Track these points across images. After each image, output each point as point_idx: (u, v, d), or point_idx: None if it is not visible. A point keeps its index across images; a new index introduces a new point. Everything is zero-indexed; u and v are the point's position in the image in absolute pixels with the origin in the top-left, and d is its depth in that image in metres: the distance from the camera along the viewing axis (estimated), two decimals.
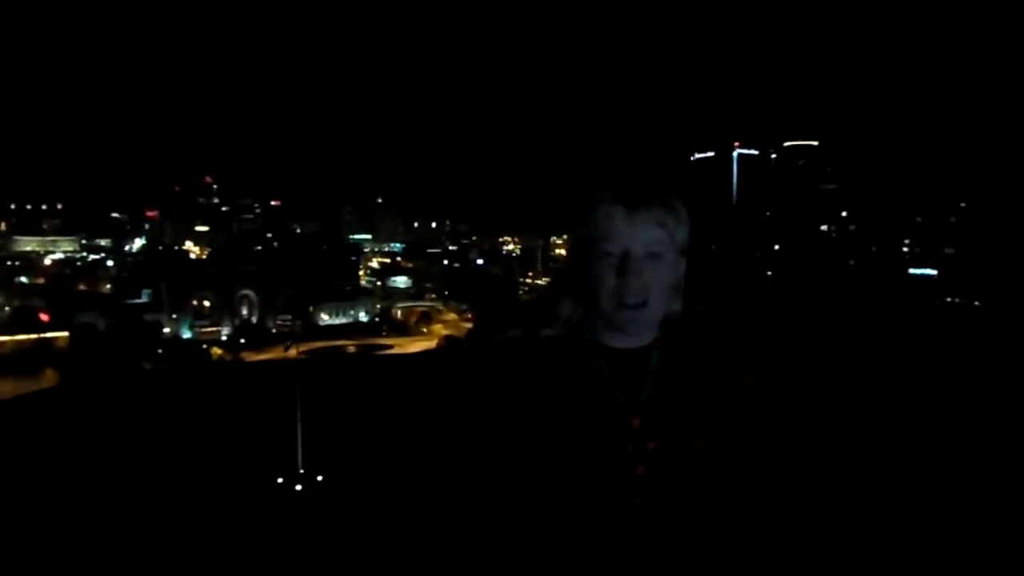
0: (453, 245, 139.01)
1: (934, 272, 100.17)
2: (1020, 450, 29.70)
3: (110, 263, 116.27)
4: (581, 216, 1.46)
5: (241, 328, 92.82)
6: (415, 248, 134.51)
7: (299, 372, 40.56)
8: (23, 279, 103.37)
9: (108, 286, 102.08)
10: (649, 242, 1.41)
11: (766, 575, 1.51)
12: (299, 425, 33.58)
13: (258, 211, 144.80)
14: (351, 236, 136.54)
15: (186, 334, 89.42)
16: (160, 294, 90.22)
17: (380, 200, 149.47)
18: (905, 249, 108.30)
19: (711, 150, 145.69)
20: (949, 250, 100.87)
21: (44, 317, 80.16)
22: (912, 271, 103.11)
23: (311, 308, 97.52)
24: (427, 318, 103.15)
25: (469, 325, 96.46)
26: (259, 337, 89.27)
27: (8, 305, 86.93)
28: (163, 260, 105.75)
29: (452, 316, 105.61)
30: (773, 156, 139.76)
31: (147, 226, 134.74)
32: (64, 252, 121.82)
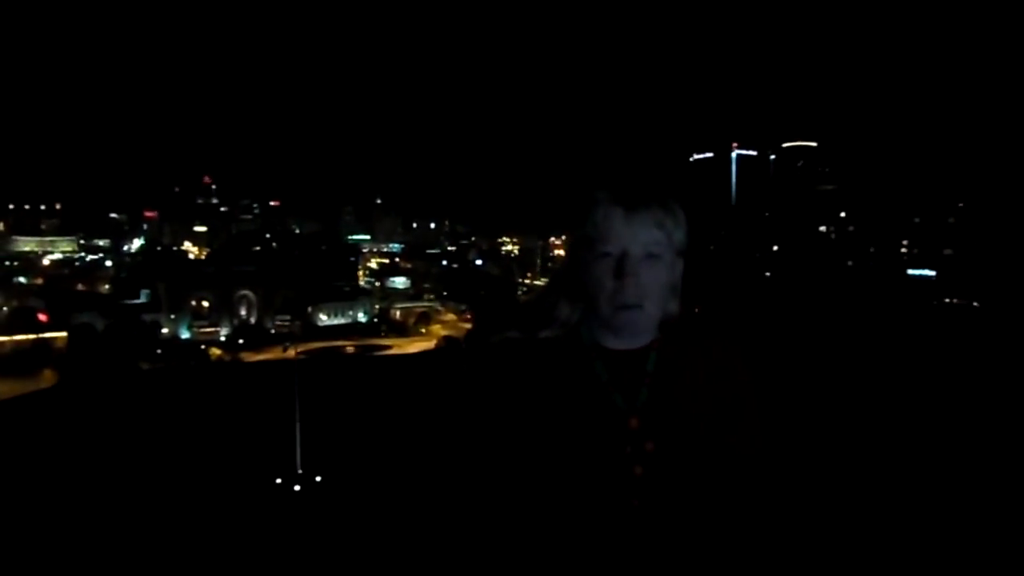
0: (452, 246, 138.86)
1: (933, 273, 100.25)
2: (1020, 450, 29.73)
3: (108, 263, 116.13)
4: (579, 217, 1.46)
5: (240, 328, 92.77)
6: (414, 249, 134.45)
7: (298, 373, 40.63)
8: (21, 279, 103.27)
9: (106, 286, 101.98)
10: (647, 243, 1.42)
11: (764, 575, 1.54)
12: (298, 426, 33.59)
13: (257, 211, 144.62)
14: (350, 236, 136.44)
15: (185, 334, 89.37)
16: (159, 294, 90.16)
17: (379, 201, 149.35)
18: (904, 250, 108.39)
19: (710, 151, 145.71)
20: (948, 251, 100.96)
21: (42, 317, 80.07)
22: (911, 272, 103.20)
23: (310, 308, 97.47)
24: (426, 319, 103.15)
25: (468, 326, 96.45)
26: (258, 337, 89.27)
27: (6, 305, 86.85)
28: (162, 260, 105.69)
29: (451, 317, 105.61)
30: (772, 157, 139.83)
31: (146, 226, 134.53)
32: (62, 252, 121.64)
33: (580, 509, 1.44)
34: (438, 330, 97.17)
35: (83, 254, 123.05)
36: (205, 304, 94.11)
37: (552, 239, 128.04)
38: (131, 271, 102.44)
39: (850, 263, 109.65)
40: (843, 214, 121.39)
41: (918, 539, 20.13)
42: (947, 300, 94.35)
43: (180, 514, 26.47)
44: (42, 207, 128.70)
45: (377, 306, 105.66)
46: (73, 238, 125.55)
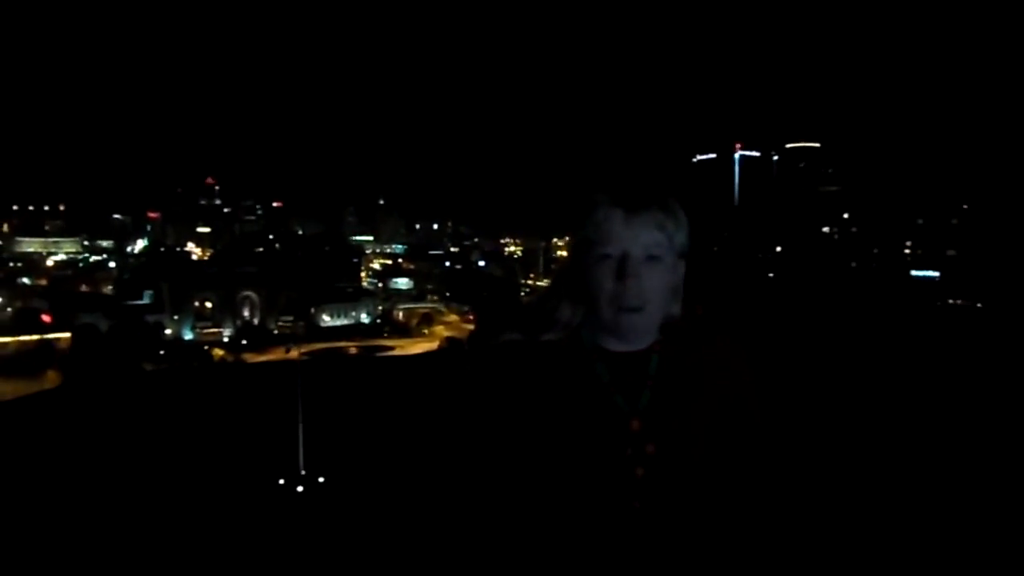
0: (455, 247, 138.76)
1: (936, 274, 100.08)
2: (1022, 450, 29.67)
3: (112, 264, 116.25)
4: (580, 219, 1.46)
5: (243, 329, 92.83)
6: (417, 250, 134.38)
7: (301, 373, 40.72)
8: (25, 280, 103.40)
9: (110, 287, 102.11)
10: (648, 245, 1.41)
11: None
12: (300, 427, 33.65)
13: (260, 212, 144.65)
14: (353, 237, 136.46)
15: (188, 335, 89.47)
16: (162, 295, 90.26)
17: (382, 202, 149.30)
18: (907, 251, 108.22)
19: (713, 152, 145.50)
20: (951, 252, 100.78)
21: (46, 318, 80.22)
22: (914, 273, 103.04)
23: (313, 309, 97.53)
24: (429, 320, 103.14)
25: (471, 327, 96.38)
26: (261, 338, 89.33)
27: (10, 306, 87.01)
28: (165, 261, 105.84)
29: (454, 318, 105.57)
30: (775, 158, 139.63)
31: (149, 227, 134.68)
32: (66, 253, 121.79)
33: (581, 511, 1.44)
34: (441, 331, 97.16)
35: (87, 255, 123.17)
36: (208, 305, 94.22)
37: (555, 240, 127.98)
38: (134, 272, 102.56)
39: (853, 264, 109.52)
40: (846, 215, 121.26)
41: (920, 540, 20.11)
42: (950, 301, 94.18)
43: (184, 514, 26.52)
44: (46, 208, 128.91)
45: (380, 307, 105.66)
46: (77, 239, 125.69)
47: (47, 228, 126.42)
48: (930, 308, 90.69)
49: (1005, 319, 78.22)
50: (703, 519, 1.48)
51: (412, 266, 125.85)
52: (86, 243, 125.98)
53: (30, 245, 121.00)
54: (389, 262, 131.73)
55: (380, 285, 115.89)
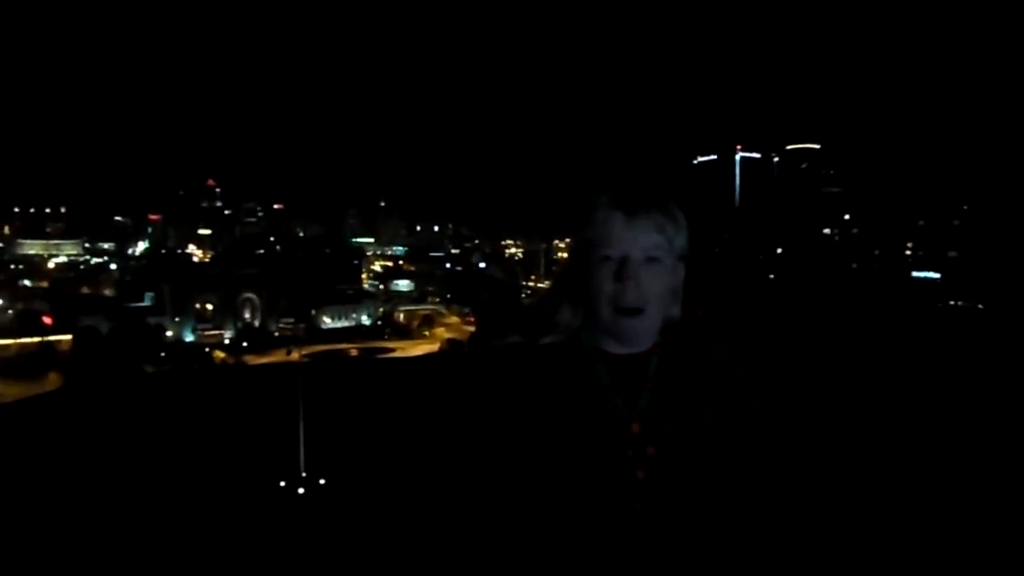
0: (455, 248, 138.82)
1: (937, 275, 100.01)
2: (1023, 451, 29.63)
3: (113, 266, 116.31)
4: (580, 221, 1.47)
5: (244, 331, 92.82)
6: (417, 251, 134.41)
7: (301, 375, 40.72)
8: (27, 282, 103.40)
9: (111, 289, 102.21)
10: (647, 247, 1.42)
11: None
12: (301, 428, 33.64)
13: (261, 214, 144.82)
14: (353, 239, 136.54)
15: (189, 337, 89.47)
16: (163, 297, 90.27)
17: (382, 203, 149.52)
18: (908, 252, 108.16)
19: (713, 153, 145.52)
20: (952, 253, 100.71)
21: (47, 320, 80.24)
22: (915, 274, 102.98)
23: (313, 311, 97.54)
24: (429, 321, 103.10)
25: (471, 328, 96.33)
26: (262, 340, 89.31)
27: (12, 308, 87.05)
28: (166, 263, 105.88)
29: (454, 319, 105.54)
30: (776, 159, 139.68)
31: (150, 229, 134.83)
32: (67, 255, 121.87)
33: (582, 513, 1.44)
34: (442, 333, 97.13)
35: (88, 257, 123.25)
36: (209, 307, 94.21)
37: (556, 242, 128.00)
38: (135, 274, 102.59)
39: (854, 265, 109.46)
40: (847, 216, 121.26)
41: (922, 540, 20.08)
42: (951, 302, 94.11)
43: (185, 516, 26.51)
44: (47, 210, 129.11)
45: (381, 309, 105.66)
46: (78, 241, 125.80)
47: (48, 230, 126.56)
48: (931, 309, 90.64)
49: (1006, 320, 78.17)
50: (704, 521, 1.48)
51: (413, 268, 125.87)
52: (87, 245, 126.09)
53: (31, 247, 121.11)
54: (390, 264, 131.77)
55: (381, 287, 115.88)
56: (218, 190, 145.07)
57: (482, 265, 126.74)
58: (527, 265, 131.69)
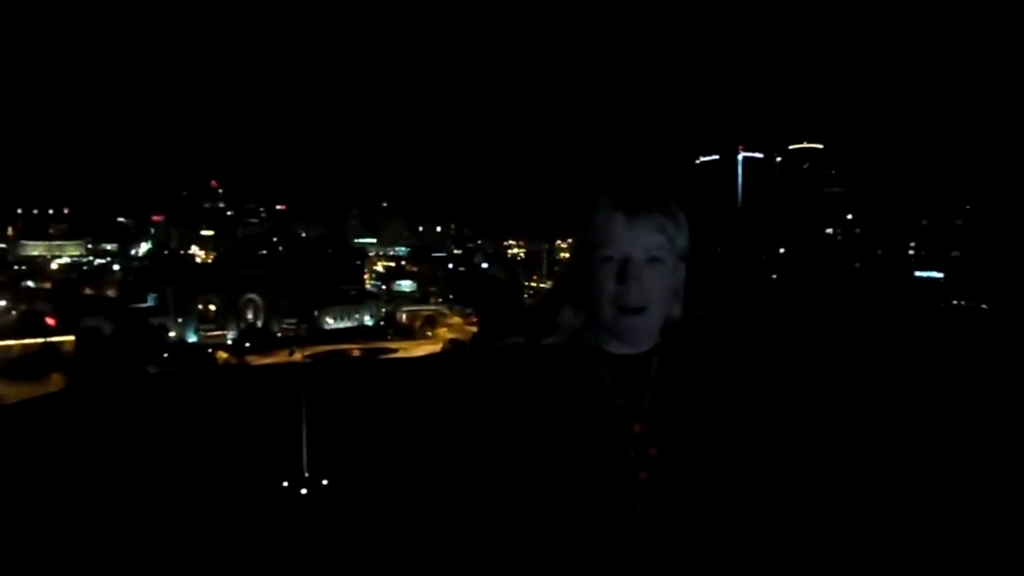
0: (458, 249, 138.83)
1: (940, 275, 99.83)
2: None
3: (116, 267, 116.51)
4: (581, 222, 1.49)
5: (246, 332, 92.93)
6: (420, 252, 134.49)
7: (304, 376, 40.71)
8: (30, 283, 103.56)
9: (114, 290, 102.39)
10: (649, 247, 1.43)
11: None
12: (304, 429, 33.64)
13: (263, 215, 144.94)
14: (356, 240, 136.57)
15: (191, 338, 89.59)
16: (166, 298, 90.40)
17: (385, 204, 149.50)
18: (911, 252, 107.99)
19: (716, 153, 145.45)
20: (955, 253, 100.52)
21: (50, 321, 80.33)
22: (918, 274, 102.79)
23: (316, 312, 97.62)
24: (432, 322, 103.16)
25: (474, 329, 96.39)
26: (264, 341, 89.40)
27: (15, 309, 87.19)
28: (169, 264, 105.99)
29: (457, 320, 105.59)
30: (778, 159, 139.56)
31: (153, 230, 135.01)
32: (70, 256, 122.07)
33: (584, 514, 1.44)
34: (444, 333, 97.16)
35: (91, 258, 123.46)
36: (212, 308, 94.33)
37: (558, 242, 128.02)
38: (138, 275, 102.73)
39: (857, 265, 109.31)
40: (850, 216, 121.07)
41: (924, 540, 20.05)
42: (955, 302, 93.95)
43: (187, 517, 26.53)
44: (50, 211, 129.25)
45: (383, 309, 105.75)
46: (81, 242, 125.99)
47: (51, 231, 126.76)
48: (934, 309, 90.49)
49: (1009, 320, 78.02)
50: (705, 522, 1.47)
51: (415, 268, 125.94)
52: (90, 246, 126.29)
53: (34, 248, 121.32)
54: (392, 264, 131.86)
55: (383, 287, 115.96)
56: (220, 191, 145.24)
57: (484, 265, 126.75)
58: (529, 265, 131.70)
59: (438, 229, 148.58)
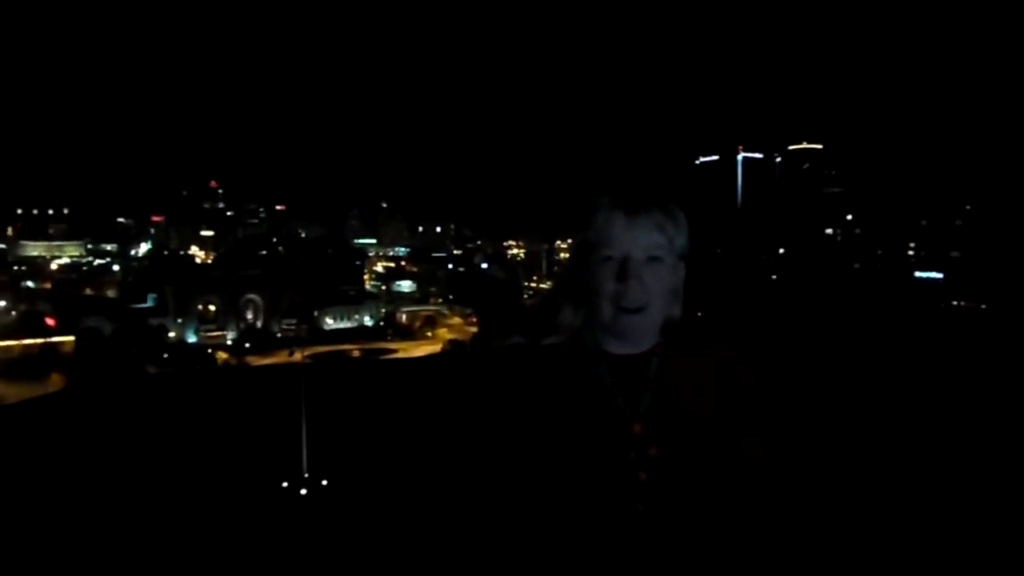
0: (458, 249, 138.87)
1: (940, 275, 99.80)
2: None
3: (116, 268, 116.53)
4: (581, 222, 1.49)
5: (246, 332, 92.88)
6: (420, 252, 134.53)
7: (304, 376, 40.67)
8: (29, 284, 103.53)
9: (113, 291, 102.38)
10: (649, 247, 1.44)
11: None
12: (304, 429, 33.62)
13: (263, 216, 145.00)
14: (356, 240, 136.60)
15: (191, 338, 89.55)
16: (165, 299, 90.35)
17: (384, 204, 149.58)
18: (911, 252, 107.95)
19: (715, 154, 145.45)
20: (955, 253, 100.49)
21: (50, 322, 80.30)
22: (918, 274, 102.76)
23: (316, 312, 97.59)
24: (432, 322, 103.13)
25: (474, 329, 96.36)
26: (264, 341, 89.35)
27: (15, 310, 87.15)
28: (168, 265, 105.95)
29: (457, 320, 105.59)
30: (778, 160, 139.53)
31: (152, 231, 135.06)
32: (70, 257, 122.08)
33: (584, 514, 1.44)
34: (444, 334, 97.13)
35: (90, 258, 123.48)
36: (212, 308, 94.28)
37: (558, 242, 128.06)
38: (138, 275, 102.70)
39: (857, 266, 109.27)
40: (849, 216, 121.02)
41: (924, 540, 20.04)
42: (954, 302, 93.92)
43: (187, 517, 26.52)
44: (50, 212, 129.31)
45: (383, 310, 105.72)
46: (80, 243, 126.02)
47: (51, 232, 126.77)
48: (934, 310, 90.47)
49: (1009, 321, 78.00)
50: (706, 522, 1.48)
51: (415, 269, 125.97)
52: (90, 247, 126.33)
53: (34, 249, 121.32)
54: (392, 265, 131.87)
55: (383, 288, 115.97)
56: (220, 191, 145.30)
57: (484, 266, 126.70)
58: (529, 266, 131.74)
59: (438, 229, 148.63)
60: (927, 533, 20.67)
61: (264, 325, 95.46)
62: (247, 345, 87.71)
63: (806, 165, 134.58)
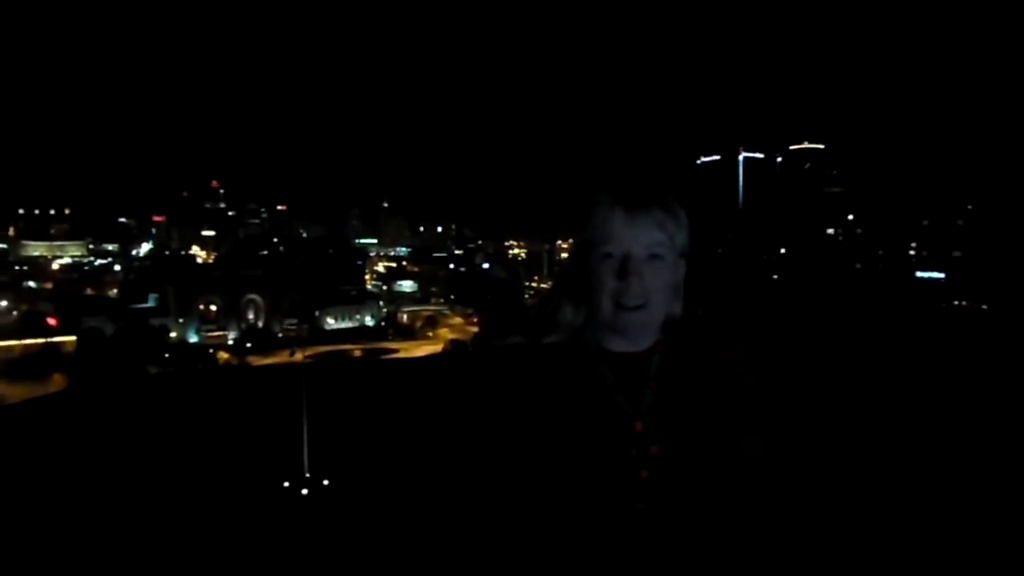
0: (459, 249, 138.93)
1: (941, 275, 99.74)
2: None
3: (117, 268, 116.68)
4: (581, 219, 1.48)
5: (247, 332, 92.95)
6: (421, 252, 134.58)
7: (305, 376, 40.70)
8: (31, 284, 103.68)
9: (115, 291, 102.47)
10: (649, 244, 1.43)
11: None
12: (305, 429, 33.64)
13: (264, 215, 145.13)
14: (357, 240, 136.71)
15: (192, 338, 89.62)
16: (167, 298, 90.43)
17: (386, 204, 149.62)
18: (912, 252, 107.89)
19: (717, 154, 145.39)
20: (956, 253, 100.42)
21: (52, 322, 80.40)
22: (919, 274, 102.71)
23: (317, 312, 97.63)
24: (433, 322, 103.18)
25: (475, 329, 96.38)
26: (265, 341, 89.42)
27: (16, 309, 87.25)
28: (170, 265, 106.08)
29: (458, 320, 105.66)
30: (779, 159, 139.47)
31: (154, 231, 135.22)
32: (72, 257, 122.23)
33: (586, 513, 1.44)
34: (445, 334, 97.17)
35: (92, 258, 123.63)
36: (213, 308, 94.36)
37: (559, 242, 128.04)
38: (139, 275, 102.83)
39: (858, 266, 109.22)
40: (851, 216, 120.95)
41: (924, 540, 20.04)
42: (956, 302, 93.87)
43: (188, 517, 26.55)
44: (51, 212, 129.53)
45: (384, 310, 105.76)
46: (82, 243, 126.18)
47: (53, 232, 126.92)
48: (935, 309, 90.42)
49: (1010, 321, 77.94)
50: (708, 520, 1.48)
51: (416, 268, 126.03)
52: (91, 247, 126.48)
53: (36, 249, 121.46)
54: (393, 264, 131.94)
55: (384, 288, 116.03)
56: (222, 191, 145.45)
57: (485, 266, 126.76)
58: (530, 266, 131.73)
59: (439, 229, 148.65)
60: (927, 533, 20.67)
61: (265, 325, 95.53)
62: (248, 345, 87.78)
63: (807, 165, 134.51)
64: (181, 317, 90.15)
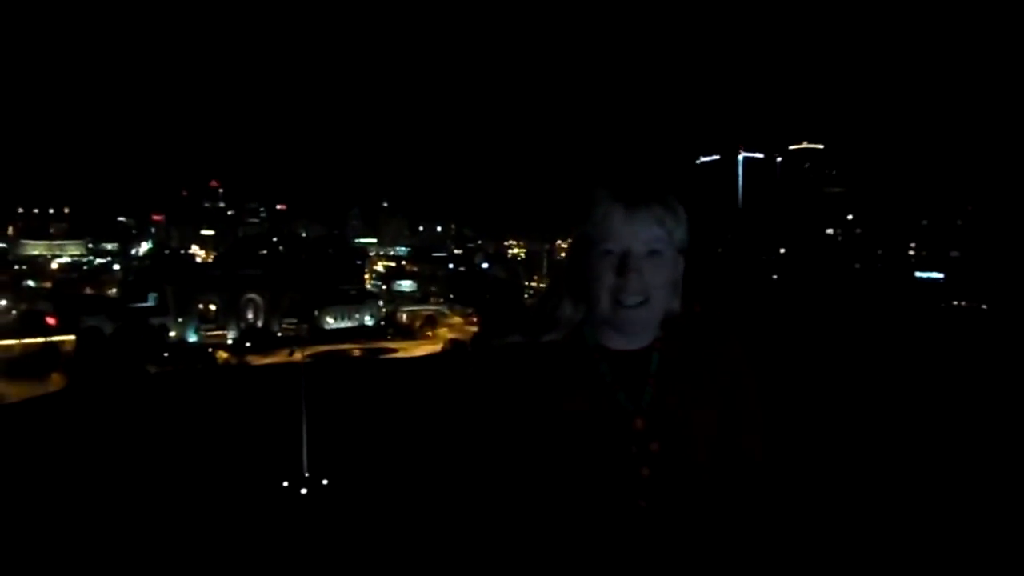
0: (458, 249, 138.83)
1: (940, 275, 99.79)
2: None
3: (116, 267, 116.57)
4: (580, 216, 1.48)
5: (247, 332, 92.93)
6: (420, 252, 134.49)
7: (304, 376, 40.72)
8: (30, 283, 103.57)
9: (114, 290, 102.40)
10: (649, 240, 1.43)
11: None
12: (304, 429, 33.65)
13: (263, 215, 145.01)
14: (356, 240, 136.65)
15: (192, 338, 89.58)
16: (166, 298, 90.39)
17: (385, 204, 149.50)
18: (911, 252, 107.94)
19: (716, 153, 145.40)
20: (955, 253, 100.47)
21: (51, 321, 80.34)
22: (918, 274, 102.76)
23: (316, 312, 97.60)
24: (432, 322, 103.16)
25: (474, 329, 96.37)
26: (264, 341, 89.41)
27: (16, 309, 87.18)
28: (169, 264, 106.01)
29: (457, 320, 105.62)
30: (778, 159, 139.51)
31: (153, 230, 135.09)
32: (71, 256, 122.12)
33: (587, 511, 1.44)
34: (444, 333, 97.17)
35: (91, 258, 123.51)
36: (212, 307, 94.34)
37: (558, 242, 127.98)
38: (139, 275, 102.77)
39: (857, 265, 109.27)
40: (850, 216, 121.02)
41: (923, 540, 20.05)
42: (955, 303, 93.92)
43: (188, 516, 26.55)
44: (51, 211, 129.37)
45: (384, 309, 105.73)
46: (81, 242, 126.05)
47: (52, 231, 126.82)
48: (934, 309, 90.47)
49: (1009, 321, 77.99)
50: (709, 517, 1.48)
51: (416, 268, 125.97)
52: (90, 246, 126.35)
53: (35, 248, 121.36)
54: (393, 264, 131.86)
55: (384, 287, 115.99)
56: (221, 191, 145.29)
57: (485, 265, 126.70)
58: (530, 265, 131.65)
59: (438, 229, 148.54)
60: (927, 533, 20.68)
61: (264, 324, 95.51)
62: (247, 344, 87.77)
63: (807, 165, 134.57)
64: (180, 316, 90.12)
